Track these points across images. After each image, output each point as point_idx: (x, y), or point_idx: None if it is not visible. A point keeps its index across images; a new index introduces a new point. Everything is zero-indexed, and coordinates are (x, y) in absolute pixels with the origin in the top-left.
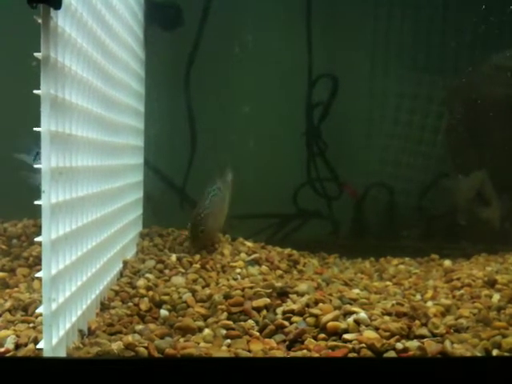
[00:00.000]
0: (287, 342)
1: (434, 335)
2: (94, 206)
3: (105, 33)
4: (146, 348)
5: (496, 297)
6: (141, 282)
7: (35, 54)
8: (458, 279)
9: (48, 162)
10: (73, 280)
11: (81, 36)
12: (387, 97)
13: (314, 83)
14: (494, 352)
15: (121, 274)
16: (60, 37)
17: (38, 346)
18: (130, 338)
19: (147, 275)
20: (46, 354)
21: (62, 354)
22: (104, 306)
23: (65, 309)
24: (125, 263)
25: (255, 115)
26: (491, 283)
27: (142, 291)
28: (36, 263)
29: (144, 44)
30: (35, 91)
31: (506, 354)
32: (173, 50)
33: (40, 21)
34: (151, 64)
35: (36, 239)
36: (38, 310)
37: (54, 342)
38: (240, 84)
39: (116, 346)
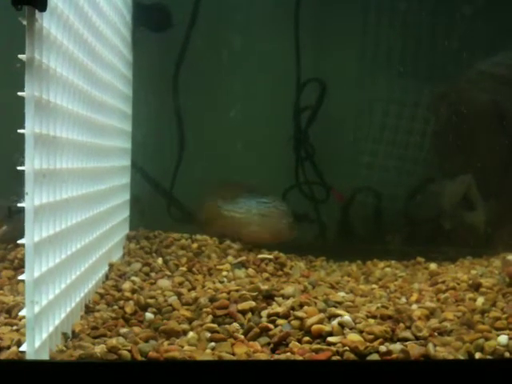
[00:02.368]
0: (272, 345)
1: (418, 338)
2: (79, 208)
3: (92, 35)
4: (129, 351)
5: (480, 300)
6: (126, 285)
7: (19, 56)
8: (443, 282)
9: (31, 164)
10: (57, 283)
11: (67, 38)
12: (375, 101)
13: (302, 87)
14: (477, 355)
15: (106, 277)
16: (45, 39)
17: (21, 349)
18: (113, 341)
19: (133, 278)
20: (29, 356)
21: (45, 357)
22: (89, 309)
23: (48, 312)
24: (111, 266)
25: (243, 118)
26: (475, 286)
27: (128, 294)
28: (21, 266)
29: (132, 46)
30: (19, 93)
31: (489, 357)
32: (161, 52)
33: (25, 22)
34: (139, 66)
35: (19, 241)
36: (21, 313)
37: (36, 344)
38: (228, 87)
39: (99, 349)
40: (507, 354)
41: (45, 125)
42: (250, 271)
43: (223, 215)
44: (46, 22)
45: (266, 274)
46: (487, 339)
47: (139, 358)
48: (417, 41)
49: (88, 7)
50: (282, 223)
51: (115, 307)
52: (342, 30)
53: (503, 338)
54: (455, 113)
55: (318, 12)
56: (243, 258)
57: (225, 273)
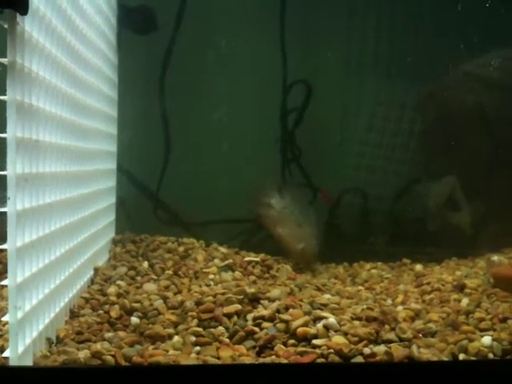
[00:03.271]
0: (257, 348)
1: (402, 340)
2: (62, 212)
3: (75, 38)
4: (113, 356)
5: (465, 301)
6: (112, 289)
7: (1, 60)
8: (428, 283)
9: (13, 168)
10: (40, 288)
11: (49, 41)
12: (361, 103)
13: (289, 89)
14: (461, 356)
15: (92, 281)
16: (27, 42)
17: (5, 355)
18: (98, 346)
19: (118, 282)
20: (12, 362)
21: (29, 362)
22: (73, 314)
23: (32, 317)
24: (96, 270)
25: (229, 120)
26: (460, 287)
27: (113, 298)
28: (6, 271)
29: (117, 48)
30: (1, 97)
31: (473, 358)
32: (147, 54)
33: (6, 26)
34: (124, 68)
35: (1, 247)
36: (4, 319)
37: (20, 350)
38: (214, 89)
39: (83, 355)
40: (491, 355)
41: (27, 129)
42: (237, 274)
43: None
44: (27, 25)
45: (252, 277)
46: (471, 340)
47: (123, 363)
48: (402, 42)
49: (71, 10)
50: (311, 240)
51: (100, 312)
52: (327, 32)
53: (487, 339)
54: (440, 114)
55: (304, 14)
56: (230, 260)
57: (211, 276)
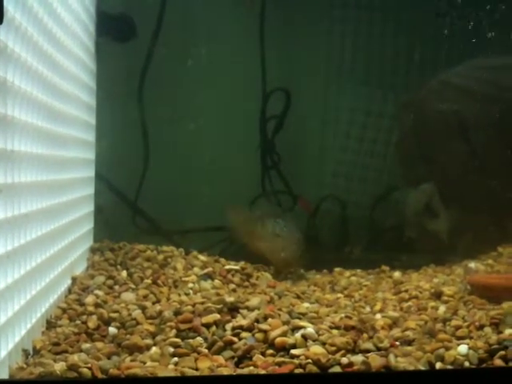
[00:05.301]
0: (236, 359)
1: (379, 349)
2: (39, 221)
3: (52, 46)
4: (90, 368)
5: (442, 308)
6: (89, 299)
7: None
8: (406, 291)
9: None
10: (16, 299)
11: (25, 50)
12: (340, 111)
13: (268, 97)
14: (438, 365)
15: (69, 291)
16: (2, 51)
17: None
18: (75, 358)
19: (96, 292)
20: None
21: (5, 375)
22: (50, 325)
23: (7, 329)
24: (73, 279)
25: (209, 128)
26: (437, 295)
27: (91, 308)
28: None
29: (95, 56)
30: None
31: (449, 366)
32: (125, 62)
33: None
34: (103, 76)
35: None
36: None
37: None
38: (194, 97)
39: (59, 367)
40: (467, 364)
41: (2, 139)
42: (217, 282)
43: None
44: (3, 34)
45: (232, 285)
46: (448, 349)
47: (100, 375)
48: (381, 50)
49: (48, 19)
50: (291, 246)
51: (78, 322)
52: (307, 40)
53: (463, 348)
54: (418, 122)
55: (284, 22)
56: (209, 269)
57: (191, 284)
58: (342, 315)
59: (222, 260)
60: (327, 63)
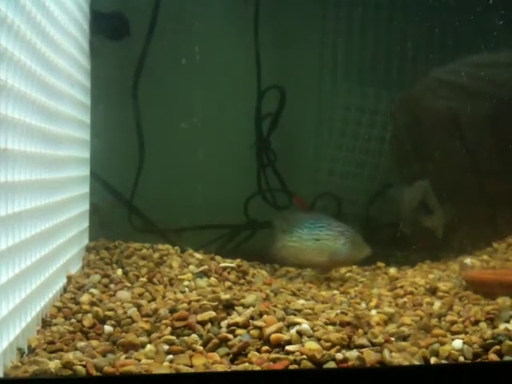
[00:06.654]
0: (231, 356)
1: (374, 344)
2: (33, 220)
3: (45, 44)
4: (84, 366)
5: (437, 304)
6: (84, 298)
7: None
8: (402, 287)
9: None
10: (10, 298)
11: (18, 48)
12: (335, 108)
13: (263, 95)
14: (432, 360)
15: (64, 290)
16: None
17: None
18: (70, 356)
19: (91, 290)
20: None
21: None
22: (45, 323)
23: (2, 328)
24: (69, 278)
25: (204, 126)
26: (433, 291)
27: (86, 307)
28: None
29: (89, 54)
30: None
31: (444, 361)
32: (120, 60)
33: None
34: (97, 74)
35: None
36: None
37: None
38: (188, 95)
39: (54, 365)
40: (461, 359)
41: None
42: (212, 280)
43: (284, 246)
44: None
45: (228, 283)
46: (442, 344)
47: (94, 373)
48: (376, 48)
49: (41, 17)
50: (339, 244)
51: (73, 320)
52: (302, 37)
53: (457, 343)
54: (412, 119)
55: (279, 20)
56: (205, 267)
57: (186, 282)
58: (338, 311)
59: (218, 258)
60: (322, 61)
